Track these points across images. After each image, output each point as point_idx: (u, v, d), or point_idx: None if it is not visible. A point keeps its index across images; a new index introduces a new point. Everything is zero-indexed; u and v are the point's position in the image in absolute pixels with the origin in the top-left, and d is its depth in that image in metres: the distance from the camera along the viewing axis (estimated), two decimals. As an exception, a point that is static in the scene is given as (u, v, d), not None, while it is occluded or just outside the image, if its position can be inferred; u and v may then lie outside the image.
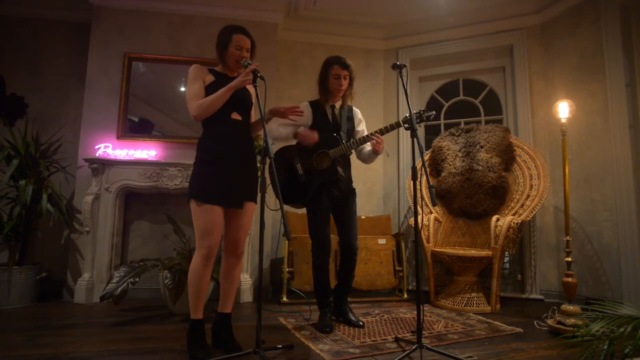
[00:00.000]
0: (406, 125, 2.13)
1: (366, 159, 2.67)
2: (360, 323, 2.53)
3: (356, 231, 2.59)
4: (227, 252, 2.07)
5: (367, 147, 2.62)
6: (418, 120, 2.23)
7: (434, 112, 2.27)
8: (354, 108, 2.73)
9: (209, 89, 2.00)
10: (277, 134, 2.54)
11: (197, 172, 2.00)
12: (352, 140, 2.51)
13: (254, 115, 2.22)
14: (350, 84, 2.59)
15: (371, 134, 2.44)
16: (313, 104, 2.63)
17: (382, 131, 2.42)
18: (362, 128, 2.73)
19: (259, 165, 2.15)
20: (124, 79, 3.58)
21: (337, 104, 2.66)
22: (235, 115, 2.04)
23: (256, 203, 2.12)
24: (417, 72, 4.31)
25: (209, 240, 1.91)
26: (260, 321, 1.80)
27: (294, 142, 2.61)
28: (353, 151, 2.62)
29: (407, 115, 2.24)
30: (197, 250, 1.94)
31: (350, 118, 2.68)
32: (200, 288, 1.95)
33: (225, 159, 1.98)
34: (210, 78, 2.05)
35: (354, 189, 2.66)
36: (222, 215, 1.97)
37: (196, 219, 1.94)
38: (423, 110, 2.27)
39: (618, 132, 3.09)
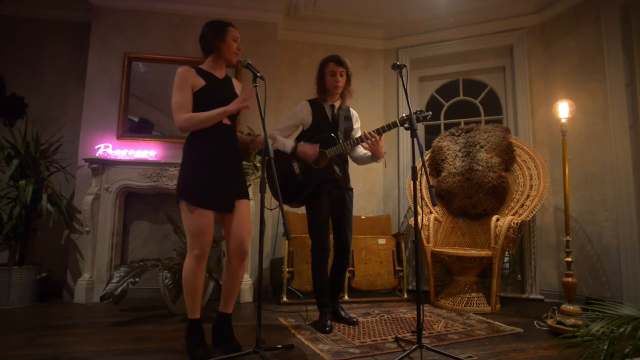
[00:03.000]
0: (405, 125, 2.13)
1: (358, 160, 2.68)
2: (353, 319, 2.55)
3: (351, 231, 2.61)
4: (231, 253, 2.04)
5: (362, 149, 2.64)
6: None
7: (430, 112, 2.28)
8: (351, 109, 2.74)
9: (199, 95, 1.98)
10: (277, 145, 2.54)
11: (187, 174, 1.98)
12: (349, 140, 2.51)
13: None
14: (348, 82, 2.59)
15: (368, 132, 2.41)
16: (312, 103, 2.63)
17: (379, 131, 2.39)
18: (358, 126, 2.75)
19: (258, 165, 2.15)
20: (124, 79, 3.57)
21: (337, 104, 2.67)
22: (225, 120, 2.04)
23: (249, 200, 2.13)
24: (417, 72, 4.31)
25: (201, 241, 1.92)
26: (260, 321, 1.80)
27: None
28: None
29: (404, 115, 2.24)
30: (189, 251, 1.94)
31: (349, 117, 2.69)
32: (195, 288, 1.95)
33: (213, 162, 1.98)
34: (199, 82, 2.00)
35: (352, 189, 2.66)
36: (213, 217, 1.97)
37: (187, 221, 1.93)
38: (420, 111, 2.29)
39: (618, 132, 3.08)
